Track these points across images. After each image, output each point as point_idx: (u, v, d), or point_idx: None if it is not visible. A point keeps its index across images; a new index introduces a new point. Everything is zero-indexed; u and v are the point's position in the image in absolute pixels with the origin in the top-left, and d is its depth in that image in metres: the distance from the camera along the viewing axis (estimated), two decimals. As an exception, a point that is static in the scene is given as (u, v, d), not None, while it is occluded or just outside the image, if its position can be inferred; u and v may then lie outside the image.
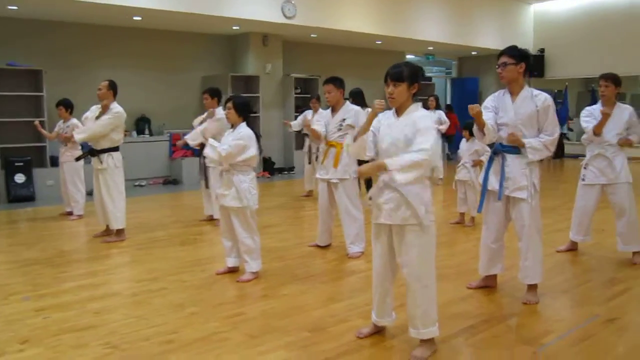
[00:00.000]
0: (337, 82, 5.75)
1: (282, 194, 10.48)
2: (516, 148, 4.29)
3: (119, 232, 6.68)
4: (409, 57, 17.22)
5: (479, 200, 4.56)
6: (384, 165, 3.31)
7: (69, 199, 8.20)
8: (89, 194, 7.63)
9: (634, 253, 5.56)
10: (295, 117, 10.91)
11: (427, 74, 18.07)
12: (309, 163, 9.75)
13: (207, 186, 7.38)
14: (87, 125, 6.68)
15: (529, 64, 4.34)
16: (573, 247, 5.96)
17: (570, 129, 16.37)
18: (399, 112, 3.48)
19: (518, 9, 17.31)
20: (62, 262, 5.81)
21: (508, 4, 16.91)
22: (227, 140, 4.93)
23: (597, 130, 5.40)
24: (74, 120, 8.05)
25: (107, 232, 6.82)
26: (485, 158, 4.61)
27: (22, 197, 9.67)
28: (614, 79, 5.44)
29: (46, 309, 4.38)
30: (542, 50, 17.46)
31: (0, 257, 5.99)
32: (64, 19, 10.61)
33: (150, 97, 12.01)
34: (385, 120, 3.53)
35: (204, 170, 7.31)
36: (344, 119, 5.72)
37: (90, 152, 6.65)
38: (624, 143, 5.43)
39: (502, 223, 4.52)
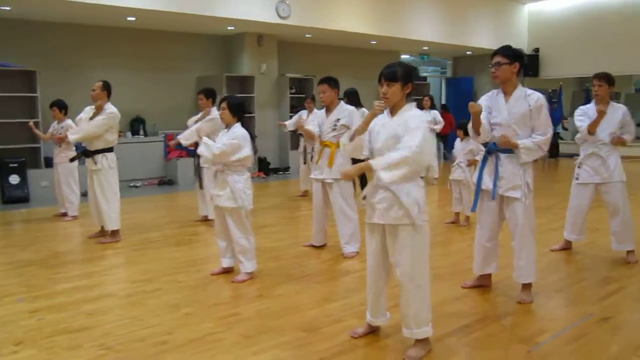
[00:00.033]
0: (331, 82, 5.76)
1: (277, 194, 10.48)
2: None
3: (114, 233, 6.66)
4: (404, 57, 17.24)
5: (473, 199, 4.57)
6: (369, 165, 3.32)
7: (63, 200, 8.18)
8: (84, 194, 7.61)
9: (628, 252, 5.58)
10: (291, 117, 10.91)
11: (422, 74, 18.10)
12: (304, 163, 9.75)
13: (201, 187, 7.39)
14: (81, 126, 6.67)
15: (523, 64, 4.35)
16: (567, 246, 5.98)
17: (565, 129, 16.40)
18: (392, 111, 3.48)
19: (512, 9, 17.35)
20: (56, 263, 5.79)
21: (502, 3, 16.94)
22: (222, 140, 4.93)
23: (592, 129, 5.41)
24: (68, 121, 8.03)
25: (102, 233, 6.80)
26: (479, 157, 4.61)
27: (17, 198, 9.63)
28: (607, 79, 5.45)
29: (40, 310, 4.37)
30: (536, 50, 17.51)
31: (-6, 259, 5.98)
32: (58, 19, 10.58)
33: (145, 97, 11.98)
34: (380, 120, 3.54)
35: (198, 170, 7.31)
36: (339, 119, 5.72)
37: (84, 152, 6.64)
38: (617, 142, 5.45)
39: (496, 222, 4.53)
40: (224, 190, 4.92)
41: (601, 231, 6.39)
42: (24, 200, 9.69)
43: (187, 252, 6.21)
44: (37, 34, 10.55)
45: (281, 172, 13.46)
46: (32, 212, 8.83)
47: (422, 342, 3.48)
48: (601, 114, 5.28)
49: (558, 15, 17.21)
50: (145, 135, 11.91)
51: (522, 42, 17.18)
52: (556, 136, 16.13)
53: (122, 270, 5.69)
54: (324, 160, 5.81)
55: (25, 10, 9.79)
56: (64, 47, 10.89)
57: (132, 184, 11.30)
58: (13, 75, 9.98)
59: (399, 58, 16.27)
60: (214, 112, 6.90)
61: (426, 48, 16.34)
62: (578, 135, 5.68)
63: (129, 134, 11.68)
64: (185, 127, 7.38)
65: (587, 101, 5.69)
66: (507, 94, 4.34)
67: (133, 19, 10.71)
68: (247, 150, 4.88)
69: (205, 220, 7.58)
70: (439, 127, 10.74)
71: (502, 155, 4.33)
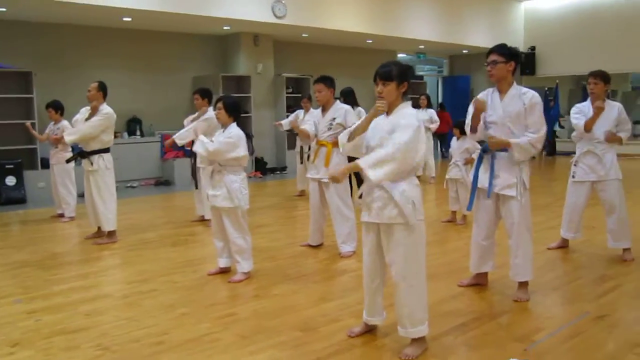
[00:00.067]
0: (327, 81, 5.76)
1: (274, 194, 10.48)
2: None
3: (111, 233, 6.66)
4: (400, 56, 17.25)
5: (469, 198, 4.57)
6: (357, 164, 3.32)
7: (60, 201, 8.17)
8: (80, 195, 7.60)
9: (624, 250, 5.58)
10: (287, 117, 10.90)
11: (419, 73, 18.11)
12: (301, 163, 9.74)
13: (196, 187, 7.39)
14: (77, 127, 6.66)
15: (518, 63, 4.36)
16: (564, 245, 5.98)
17: (562, 126, 16.42)
18: (388, 110, 3.48)
19: (508, 7, 17.36)
20: (53, 264, 5.79)
21: (498, 2, 16.96)
22: (218, 139, 4.93)
23: (589, 126, 5.40)
24: (65, 122, 8.02)
25: (99, 233, 6.80)
26: (476, 156, 4.61)
27: (13, 199, 9.62)
28: (603, 77, 5.44)
29: (37, 311, 4.37)
30: (532, 48, 17.52)
31: (-10, 260, 5.97)
32: (53, 20, 10.57)
33: (141, 98, 11.98)
34: (377, 118, 3.54)
35: (194, 170, 7.31)
36: (334, 118, 5.72)
37: (80, 153, 6.63)
38: (611, 138, 5.44)
39: (493, 221, 4.53)
40: (221, 190, 4.92)
41: (597, 229, 6.40)
42: (20, 201, 9.68)
43: (183, 252, 6.21)
44: (33, 35, 10.54)
45: (278, 172, 13.46)
46: (29, 214, 8.82)
47: (418, 341, 3.49)
48: (599, 109, 5.27)
49: (554, 13, 17.23)
50: (142, 135, 11.91)
51: (519, 40, 17.22)
52: (553, 134, 16.16)
53: (118, 271, 5.69)
54: (320, 160, 5.81)
55: (21, 11, 9.77)
56: (60, 48, 10.89)
57: (128, 185, 11.29)
58: (9, 77, 9.96)
59: (395, 57, 16.27)
60: (209, 112, 6.91)
61: (422, 47, 16.35)
62: (574, 133, 5.69)
63: (125, 134, 11.68)
64: (182, 127, 7.37)
65: (584, 99, 5.69)
66: (502, 92, 4.34)
67: (129, 19, 10.70)
68: (242, 150, 4.87)
69: (202, 220, 7.57)
70: (434, 126, 10.75)
71: (497, 154, 4.33)
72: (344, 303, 4.41)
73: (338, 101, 5.93)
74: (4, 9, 9.46)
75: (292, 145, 12.45)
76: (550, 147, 16.20)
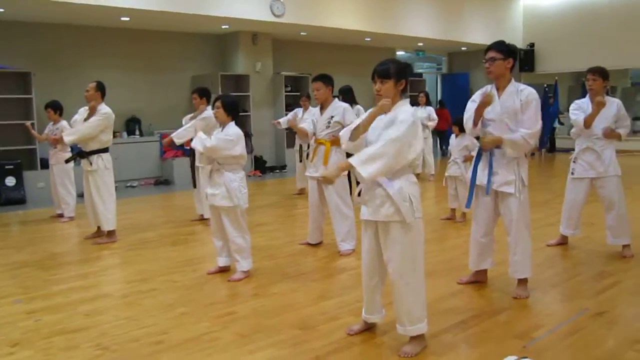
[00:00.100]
0: (325, 79, 5.75)
1: (273, 193, 10.48)
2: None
3: (110, 233, 6.66)
4: (399, 53, 17.24)
5: (468, 195, 4.57)
6: (348, 163, 3.31)
7: (59, 201, 8.17)
8: (80, 195, 7.61)
9: (624, 246, 5.58)
10: (286, 116, 10.90)
11: (418, 70, 18.11)
12: (300, 161, 9.74)
13: (194, 186, 7.39)
14: (76, 127, 6.66)
15: (516, 60, 4.35)
16: (563, 241, 5.98)
17: (562, 123, 16.40)
18: (387, 108, 3.48)
19: (507, 4, 17.34)
20: (53, 264, 5.79)
21: (497, -1, 16.96)
22: (216, 136, 4.94)
23: (589, 122, 5.39)
24: (64, 123, 8.02)
25: (98, 233, 6.80)
26: (475, 153, 4.61)
27: (13, 200, 9.62)
28: (601, 73, 5.43)
29: (37, 311, 4.37)
30: (531, 45, 17.51)
31: (-10, 261, 5.97)
32: (51, 20, 10.56)
33: (140, 97, 11.97)
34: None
35: (192, 169, 7.31)
36: (332, 116, 5.72)
37: (79, 154, 6.64)
38: (609, 134, 5.43)
39: (492, 218, 4.53)
40: (220, 189, 4.92)
41: (597, 226, 6.40)
42: (20, 201, 9.68)
43: (183, 251, 6.21)
44: (31, 36, 10.53)
45: (277, 171, 13.45)
46: (29, 214, 8.83)
47: (417, 338, 3.49)
48: (600, 104, 5.24)
49: (553, 9, 17.21)
50: (141, 135, 11.91)
51: (518, 37, 17.20)
52: (553, 131, 16.15)
53: (118, 271, 5.69)
54: (318, 158, 5.80)
55: (19, 12, 9.76)
56: (58, 48, 10.88)
57: (128, 184, 11.29)
58: (7, 77, 9.96)
59: (394, 55, 16.28)
60: (207, 111, 6.91)
61: (421, 44, 16.35)
62: (573, 130, 5.68)
63: (124, 134, 11.67)
64: (181, 127, 7.37)
65: (583, 95, 5.68)
66: (500, 89, 4.33)
67: (127, 19, 10.69)
68: (239, 148, 4.87)
69: (202, 219, 7.57)
70: (432, 124, 10.75)
71: (496, 151, 4.33)
72: (343, 301, 4.41)
73: (336, 99, 5.93)
74: (2, 10, 9.45)
75: (291, 144, 12.45)
76: (549, 144, 16.18)
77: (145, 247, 6.37)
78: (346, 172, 5.65)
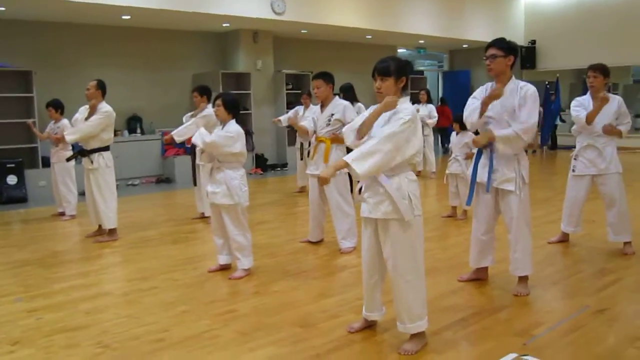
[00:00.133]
0: (326, 77, 5.75)
1: (274, 191, 10.48)
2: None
3: (111, 231, 6.67)
4: (401, 51, 17.22)
5: (468, 193, 4.56)
6: (343, 162, 3.30)
7: (60, 200, 8.18)
8: (81, 194, 7.61)
9: (625, 243, 5.58)
10: (287, 113, 10.89)
11: (419, 68, 18.08)
12: (301, 159, 9.74)
13: (195, 184, 7.40)
14: (78, 126, 6.66)
15: (517, 57, 4.34)
16: (564, 239, 5.98)
17: (563, 120, 16.38)
18: (387, 106, 3.48)
19: (509, 1, 17.32)
20: (54, 262, 5.80)
21: (498, -4, 16.93)
22: (217, 133, 4.94)
23: (591, 118, 5.36)
24: (65, 121, 8.02)
25: (100, 232, 6.81)
26: (475, 150, 4.60)
27: (15, 198, 9.63)
28: (602, 70, 5.43)
29: (38, 309, 4.38)
30: (533, 42, 17.49)
31: (-9, 259, 5.98)
32: (53, 19, 10.56)
33: (141, 96, 11.98)
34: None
35: (193, 167, 7.32)
36: (333, 114, 5.71)
37: (80, 152, 6.65)
38: (609, 131, 5.40)
39: (492, 215, 4.53)
40: (220, 187, 4.92)
41: (598, 223, 6.39)
42: (21, 200, 9.68)
43: (184, 249, 6.22)
44: (32, 34, 10.53)
45: (279, 169, 13.45)
46: (30, 212, 8.83)
47: (418, 336, 3.49)
48: (603, 100, 5.21)
49: (554, 6, 17.19)
50: (142, 133, 11.91)
51: (519, 34, 17.18)
52: (554, 128, 16.13)
53: (119, 269, 5.69)
54: (319, 156, 5.80)
55: (20, 10, 9.77)
56: (59, 46, 10.89)
57: (129, 183, 11.30)
58: (9, 76, 9.97)
59: (395, 52, 16.27)
60: (208, 109, 6.92)
61: (422, 42, 16.33)
62: (574, 127, 5.67)
63: (125, 132, 11.68)
64: (182, 125, 7.37)
65: (584, 93, 5.67)
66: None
67: (128, 17, 10.69)
68: (239, 146, 4.87)
69: (203, 217, 7.58)
70: (432, 122, 10.75)
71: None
72: (344, 299, 4.41)
73: (337, 97, 5.92)
74: (3, 9, 9.45)
75: (292, 142, 12.45)
76: (551, 141, 16.16)
77: (146, 245, 6.38)
78: (347, 170, 5.66)
